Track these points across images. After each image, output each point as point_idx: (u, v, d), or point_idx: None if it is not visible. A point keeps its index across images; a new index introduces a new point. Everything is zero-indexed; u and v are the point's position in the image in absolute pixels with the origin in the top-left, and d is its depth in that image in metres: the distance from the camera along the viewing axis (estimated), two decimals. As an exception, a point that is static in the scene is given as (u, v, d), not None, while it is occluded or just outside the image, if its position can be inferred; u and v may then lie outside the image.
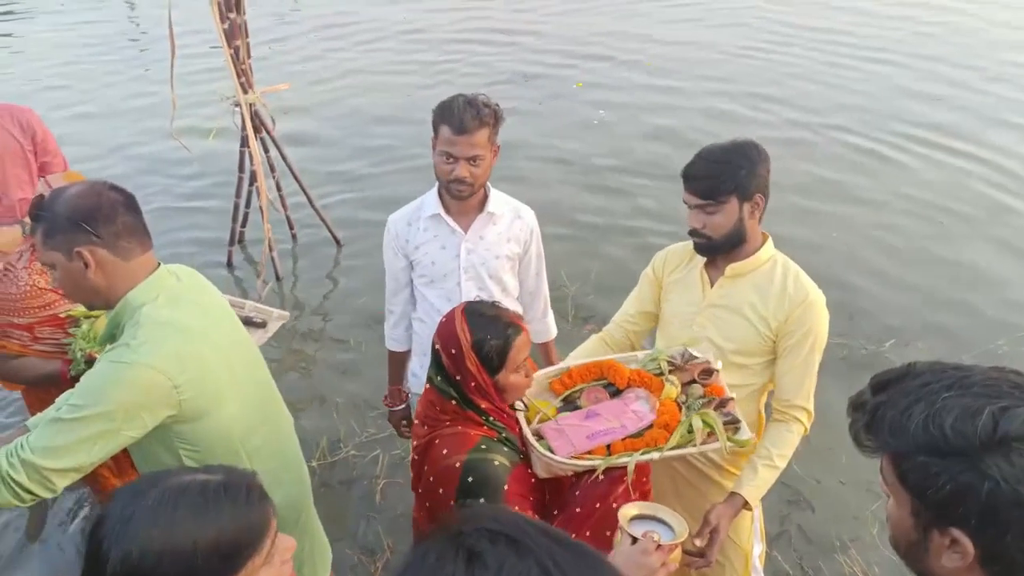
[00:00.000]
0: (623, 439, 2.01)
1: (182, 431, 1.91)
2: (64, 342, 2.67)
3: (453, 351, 1.96)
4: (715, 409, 2.07)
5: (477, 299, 2.17)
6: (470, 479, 1.87)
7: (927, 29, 10.17)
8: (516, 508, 1.87)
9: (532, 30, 10.39)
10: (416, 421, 2.13)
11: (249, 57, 4.98)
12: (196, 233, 5.98)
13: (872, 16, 10.78)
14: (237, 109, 5.04)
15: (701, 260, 2.41)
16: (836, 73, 8.72)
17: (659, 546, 1.60)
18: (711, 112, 7.78)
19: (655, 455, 1.97)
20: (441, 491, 1.91)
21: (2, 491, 1.73)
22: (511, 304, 2.85)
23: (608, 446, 2.01)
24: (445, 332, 1.99)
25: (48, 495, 1.78)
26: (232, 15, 4.72)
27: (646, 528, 1.67)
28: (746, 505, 2.21)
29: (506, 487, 1.89)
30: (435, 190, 2.73)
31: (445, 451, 1.93)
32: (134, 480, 1.33)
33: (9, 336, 2.64)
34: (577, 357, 2.57)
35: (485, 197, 2.72)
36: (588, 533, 1.92)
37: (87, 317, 2.67)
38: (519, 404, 2.15)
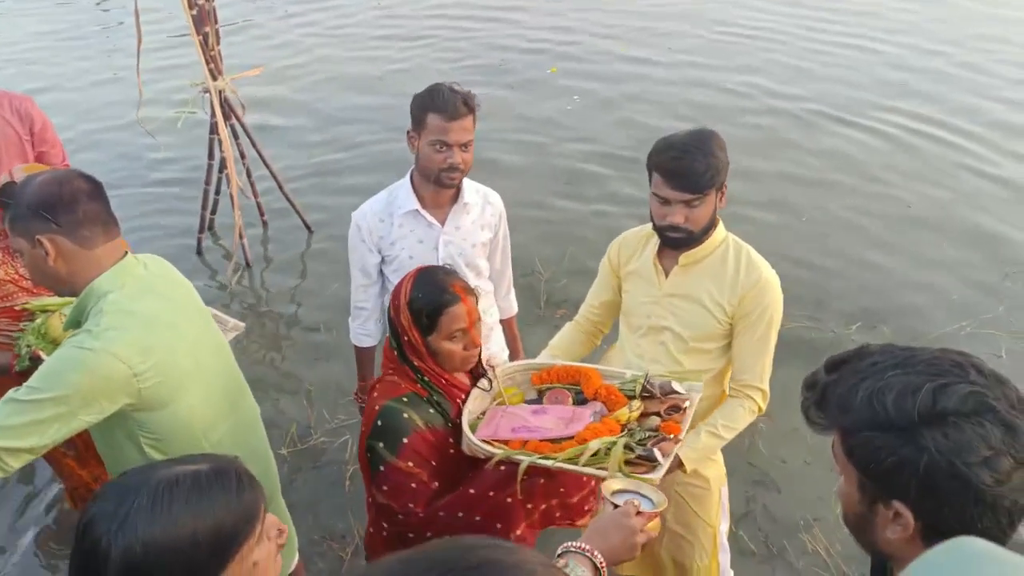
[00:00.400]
0: (541, 440, 2.02)
1: (143, 419, 1.92)
2: (15, 335, 2.66)
3: (394, 304, 2.08)
4: (651, 444, 1.98)
5: (440, 264, 2.23)
6: (379, 423, 2.02)
7: (900, 5, 10.23)
8: (409, 463, 1.99)
9: (507, 17, 10.35)
10: None
11: (218, 43, 4.94)
12: (165, 219, 5.93)
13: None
14: (206, 96, 5.00)
15: (653, 249, 2.41)
16: (811, 54, 8.76)
17: (639, 512, 1.65)
18: (686, 97, 7.80)
19: (548, 463, 1.95)
20: (363, 429, 2.09)
21: None
22: (483, 284, 2.89)
23: (525, 442, 2.02)
24: (396, 287, 2.12)
25: (0, 474, 1.79)
26: (201, 1, 4.68)
27: (628, 499, 1.73)
28: (681, 466, 2.25)
29: (405, 440, 2.00)
30: (406, 184, 2.72)
31: (376, 394, 2.10)
32: (120, 477, 1.34)
33: None
34: (556, 347, 2.64)
35: (458, 188, 2.72)
36: (478, 518, 2.00)
37: (43, 311, 2.65)
38: (485, 384, 2.22)
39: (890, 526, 1.15)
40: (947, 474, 1.07)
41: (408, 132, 2.64)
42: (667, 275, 2.39)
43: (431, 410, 2.08)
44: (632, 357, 2.49)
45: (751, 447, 3.84)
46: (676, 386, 2.18)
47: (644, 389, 2.17)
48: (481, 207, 2.80)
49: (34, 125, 3.46)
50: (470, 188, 2.77)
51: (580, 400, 2.21)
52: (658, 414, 2.11)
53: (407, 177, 2.74)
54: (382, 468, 2.00)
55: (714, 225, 2.32)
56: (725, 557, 2.70)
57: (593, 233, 5.60)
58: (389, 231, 2.72)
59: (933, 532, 1.11)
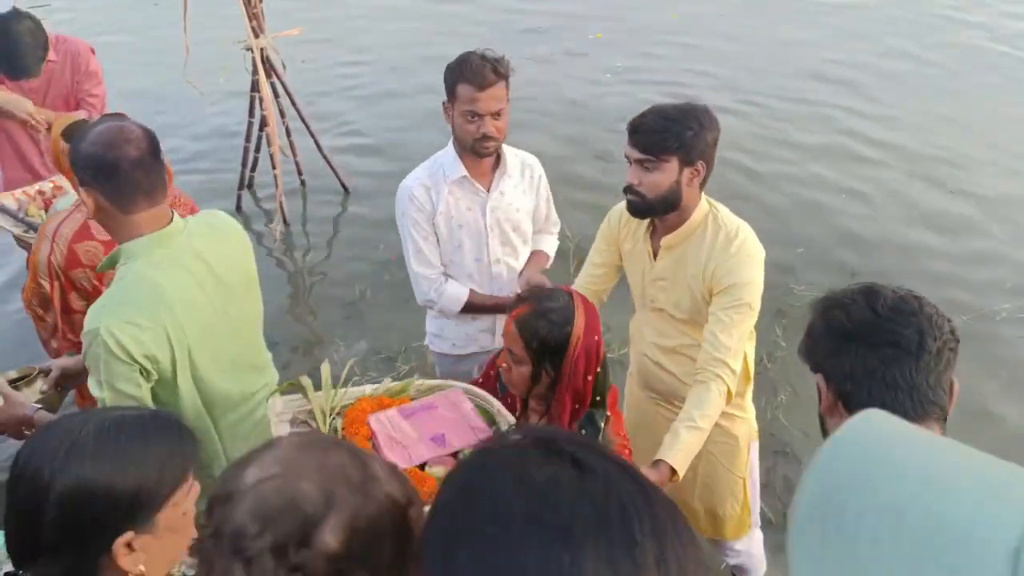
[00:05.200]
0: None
1: (152, 390, 2.00)
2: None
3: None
4: None
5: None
6: None
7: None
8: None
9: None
10: None
11: (261, 2, 5.00)
12: (205, 177, 6.04)
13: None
14: (249, 53, 5.07)
15: (645, 229, 2.41)
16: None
17: None
18: (721, 76, 7.73)
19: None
20: None
21: None
22: (527, 253, 2.93)
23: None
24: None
25: None
26: (244, -41, 4.74)
27: None
28: (673, 474, 2.09)
29: None
30: (450, 152, 2.72)
31: None
32: (64, 416, 1.36)
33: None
34: None
35: (499, 155, 2.73)
36: None
37: None
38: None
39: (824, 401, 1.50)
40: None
41: (443, 103, 2.65)
42: (655, 257, 2.40)
43: None
44: (644, 330, 2.56)
45: (773, 419, 3.88)
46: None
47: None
48: (521, 171, 2.82)
49: (80, 70, 3.54)
50: (510, 153, 2.78)
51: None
52: None
53: (450, 146, 2.73)
54: None
55: (681, 201, 2.25)
56: (755, 506, 2.76)
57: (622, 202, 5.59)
58: (437, 199, 2.72)
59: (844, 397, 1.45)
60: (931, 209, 5.64)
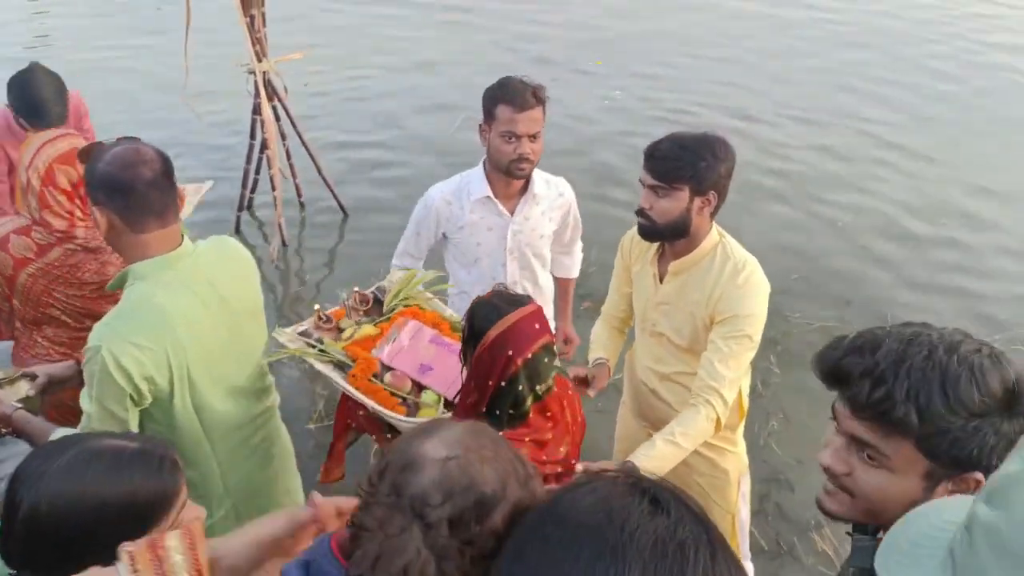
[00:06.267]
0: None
1: (149, 412, 2.02)
2: None
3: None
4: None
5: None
6: None
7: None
8: None
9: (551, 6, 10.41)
10: None
11: (264, 26, 5.07)
12: (206, 196, 6.06)
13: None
14: (251, 76, 5.13)
15: (653, 253, 2.44)
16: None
17: None
18: (723, 95, 7.81)
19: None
20: None
21: None
22: (545, 280, 3.03)
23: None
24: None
25: None
26: (248, -16, 4.81)
27: None
28: None
29: None
30: (479, 172, 2.79)
31: None
32: (57, 440, 1.39)
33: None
34: (596, 342, 2.67)
35: (528, 178, 2.79)
36: None
37: None
38: None
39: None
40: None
41: (480, 125, 2.72)
42: (662, 281, 2.42)
43: None
44: (642, 355, 2.57)
45: (766, 446, 3.90)
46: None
47: None
48: (552, 199, 2.88)
49: (79, 114, 3.71)
50: (540, 179, 2.84)
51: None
52: None
53: (480, 166, 2.80)
54: None
55: (690, 229, 2.28)
56: (744, 542, 2.77)
57: (621, 229, 5.63)
58: (459, 215, 2.80)
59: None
60: (925, 238, 5.70)
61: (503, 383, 1.97)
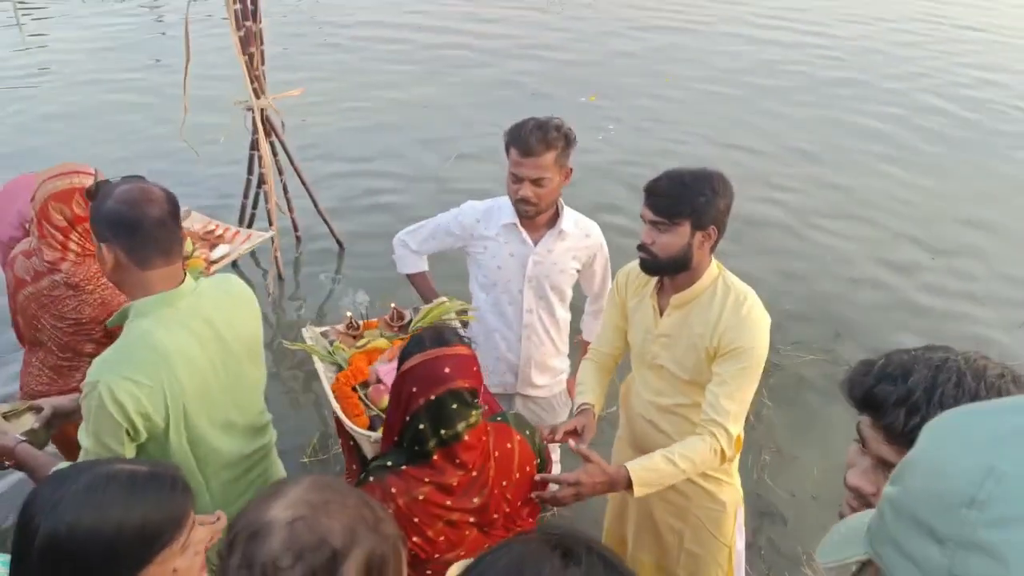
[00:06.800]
0: None
1: (143, 447, 2.04)
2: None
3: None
4: None
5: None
6: None
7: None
8: None
9: (547, 42, 10.56)
10: None
11: (263, 64, 5.14)
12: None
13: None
14: (249, 113, 5.20)
15: (652, 287, 2.48)
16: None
17: None
18: (722, 133, 7.92)
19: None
20: None
21: None
22: (563, 313, 3.08)
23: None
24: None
25: None
26: (248, 23, 4.89)
27: None
28: (629, 485, 2.19)
29: None
30: (510, 199, 2.88)
31: None
32: (68, 466, 1.42)
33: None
34: (583, 383, 2.66)
35: (557, 215, 2.87)
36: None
37: None
38: None
39: None
40: None
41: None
42: (662, 314, 2.45)
43: None
44: (640, 388, 2.59)
45: (759, 480, 3.92)
46: None
47: None
48: (579, 239, 2.94)
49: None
50: (570, 218, 2.91)
51: None
52: None
53: None
54: None
55: (691, 263, 2.31)
56: (741, 574, 2.78)
57: (617, 262, 5.69)
58: (484, 233, 2.90)
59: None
60: (915, 266, 5.76)
61: (407, 417, 1.95)
